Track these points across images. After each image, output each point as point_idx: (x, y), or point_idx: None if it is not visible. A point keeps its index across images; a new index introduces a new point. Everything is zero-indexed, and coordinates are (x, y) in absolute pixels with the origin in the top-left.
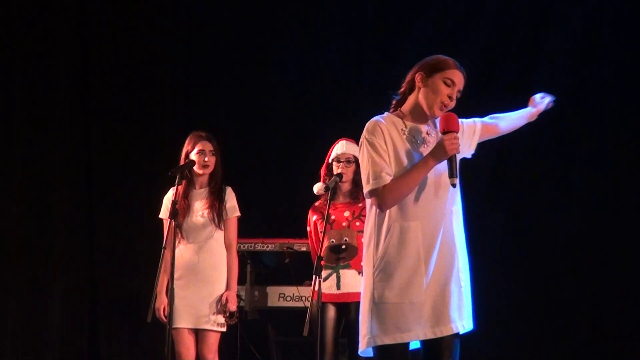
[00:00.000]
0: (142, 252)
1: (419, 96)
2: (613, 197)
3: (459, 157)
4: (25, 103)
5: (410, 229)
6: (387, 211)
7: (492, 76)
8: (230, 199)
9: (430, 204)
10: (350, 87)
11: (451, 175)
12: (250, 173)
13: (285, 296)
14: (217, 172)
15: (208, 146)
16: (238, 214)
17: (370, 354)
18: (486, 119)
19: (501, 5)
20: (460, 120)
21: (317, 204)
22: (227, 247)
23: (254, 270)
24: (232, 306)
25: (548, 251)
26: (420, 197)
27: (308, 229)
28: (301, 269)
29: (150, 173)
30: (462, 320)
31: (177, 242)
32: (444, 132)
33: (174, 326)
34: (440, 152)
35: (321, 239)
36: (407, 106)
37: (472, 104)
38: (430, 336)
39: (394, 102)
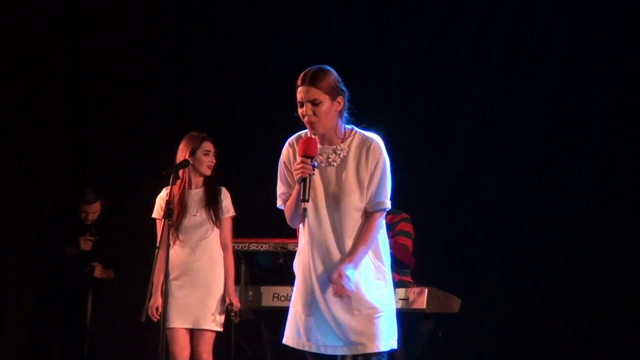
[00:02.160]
0: (136, 252)
1: None
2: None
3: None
4: (18, 104)
5: None
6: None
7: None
8: (225, 199)
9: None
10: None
11: (303, 198)
12: (244, 172)
13: (279, 296)
14: (212, 174)
15: (212, 147)
16: (233, 213)
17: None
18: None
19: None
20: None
21: None
22: (223, 247)
23: (248, 270)
24: (237, 304)
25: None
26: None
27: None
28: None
29: (143, 173)
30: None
31: (172, 242)
32: (301, 156)
33: (168, 326)
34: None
35: None
36: None
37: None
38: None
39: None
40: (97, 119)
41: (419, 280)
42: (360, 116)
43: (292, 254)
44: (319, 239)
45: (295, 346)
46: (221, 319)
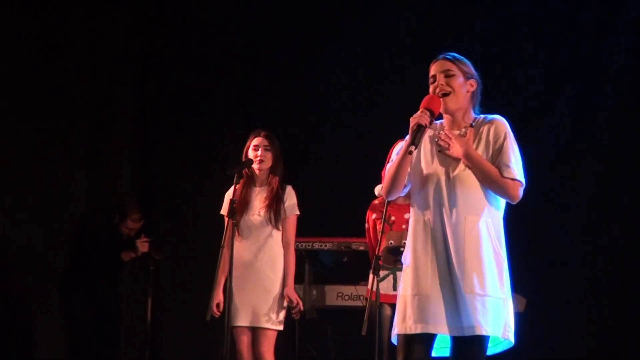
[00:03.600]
0: (201, 251)
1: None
2: None
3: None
4: (87, 109)
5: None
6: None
7: None
8: (290, 198)
9: (439, 202)
10: (413, 88)
11: (411, 142)
12: (310, 172)
13: (343, 295)
14: (276, 170)
15: (263, 142)
16: (297, 212)
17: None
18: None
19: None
20: (496, 138)
21: (376, 202)
22: (285, 245)
23: (312, 269)
24: (296, 301)
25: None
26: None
27: (366, 225)
28: (359, 268)
29: (208, 172)
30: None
31: (235, 240)
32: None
33: (232, 324)
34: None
35: (379, 239)
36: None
37: None
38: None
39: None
40: (162, 120)
41: None
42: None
43: (355, 253)
44: (436, 213)
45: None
46: (282, 318)
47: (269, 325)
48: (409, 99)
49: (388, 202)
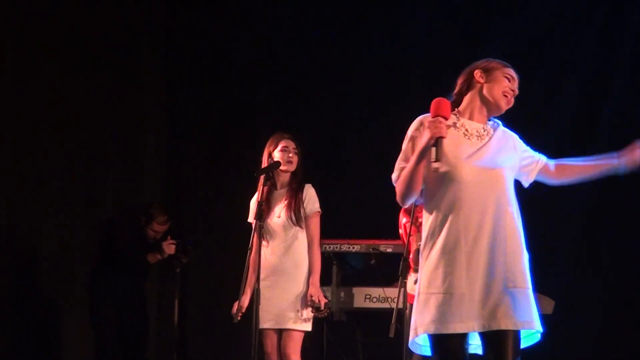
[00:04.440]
0: (229, 254)
1: (481, 92)
2: None
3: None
4: (116, 112)
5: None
6: (433, 201)
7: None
8: (309, 196)
9: (475, 197)
10: (440, 89)
11: (435, 159)
12: (337, 174)
13: (371, 297)
14: (298, 173)
15: (291, 144)
16: (318, 209)
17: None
18: (551, 162)
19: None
20: (518, 140)
21: (407, 206)
22: (309, 242)
23: (340, 271)
24: (319, 298)
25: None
26: (463, 190)
27: (400, 231)
28: (387, 270)
29: (237, 176)
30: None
31: (262, 243)
32: (434, 117)
33: (259, 327)
34: (425, 135)
35: (408, 241)
36: (463, 105)
37: None
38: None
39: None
40: (191, 123)
41: None
42: None
43: (383, 255)
44: (468, 208)
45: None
46: (309, 319)
47: (295, 327)
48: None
49: (416, 205)
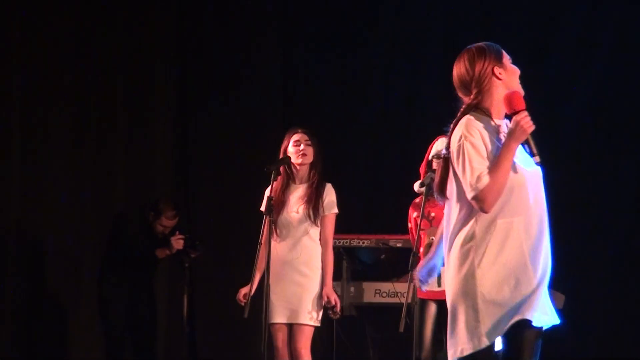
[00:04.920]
0: (239, 249)
1: (503, 89)
2: None
3: None
4: (126, 103)
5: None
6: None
7: None
8: (329, 196)
9: (531, 200)
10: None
11: (533, 154)
12: (347, 169)
13: (381, 292)
14: (316, 166)
15: (304, 137)
16: (336, 211)
17: None
18: None
19: None
20: None
21: (417, 200)
22: (323, 243)
23: (350, 266)
24: (334, 301)
25: None
26: (522, 192)
27: (409, 225)
28: (397, 265)
29: (247, 170)
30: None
31: (272, 238)
32: (514, 113)
33: (269, 322)
34: (519, 133)
35: (418, 235)
36: (489, 103)
37: None
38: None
39: (463, 106)
40: (201, 117)
41: None
42: None
43: (393, 250)
44: (533, 206)
45: None
46: (318, 314)
47: (305, 322)
48: (446, 97)
49: (427, 199)
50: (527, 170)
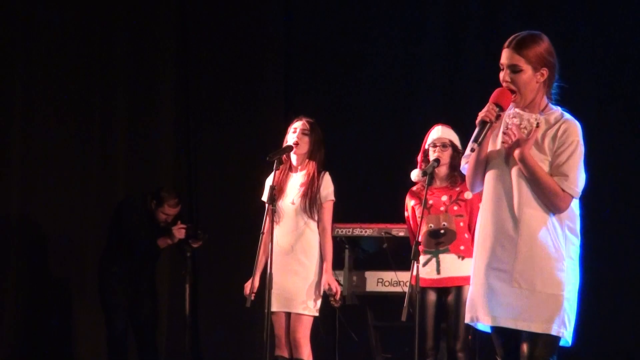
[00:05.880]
0: (241, 238)
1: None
2: None
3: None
4: (128, 91)
5: None
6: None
7: None
8: (326, 185)
9: None
10: (448, 73)
11: (474, 139)
12: (349, 158)
13: (383, 281)
14: (313, 156)
15: (302, 126)
16: (332, 198)
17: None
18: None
19: None
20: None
21: (414, 189)
22: (321, 232)
23: (352, 256)
24: (335, 288)
25: None
26: None
27: (406, 214)
28: (399, 254)
29: (249, 159)
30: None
31: (274, 226)
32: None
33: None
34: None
35: (419, 224)
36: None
37: None
38: None
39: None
40: (203, 106)
41: None
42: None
43: (396, 239)
44: (494, 197)
45: None
46: (317, 304)
47: (304, 311)
48: (445, 86)
49: (428, 186)
50: (505, 161)
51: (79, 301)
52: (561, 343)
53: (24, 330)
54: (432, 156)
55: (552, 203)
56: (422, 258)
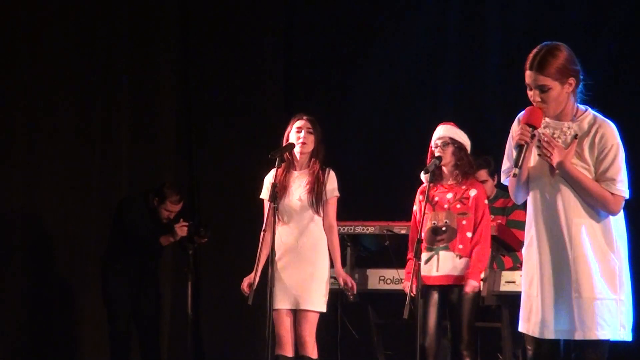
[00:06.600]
0: (243, 235)
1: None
2: None
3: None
4: (131, 89)
5: None
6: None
7: None
8: (331, 181)
9: None
10: (456, 71)
11: (514, 164)
12: (351, 156)
13: (385, 279)
14: (317, 154)
15: (306, 125)
16: (337, 195)
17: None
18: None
19: None
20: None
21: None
22: (328, 228)
23: (354, 253)
24: (351, 282)
25: None
26: None
27: (414, 207)
28: (401, 252)
29: (251, 157)
30: None
31: (277, 224)
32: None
33: (273, 308)
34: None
35: (422, 220)
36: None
37: None
38: None
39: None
40: (205, 103)
41: None
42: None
43: (398, 237)
44: (544, 214)
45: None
46: (324, 300)
47: (310, 307)
48: (451, 83)
49: (432, 184)
50: (546, 171)
51: (82, 297)
52: (622, 338)
53: (26, 329)
54: (435, 155)
55: (605, 208)
56: (424, 255)
